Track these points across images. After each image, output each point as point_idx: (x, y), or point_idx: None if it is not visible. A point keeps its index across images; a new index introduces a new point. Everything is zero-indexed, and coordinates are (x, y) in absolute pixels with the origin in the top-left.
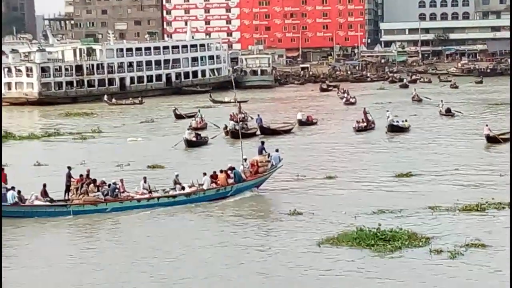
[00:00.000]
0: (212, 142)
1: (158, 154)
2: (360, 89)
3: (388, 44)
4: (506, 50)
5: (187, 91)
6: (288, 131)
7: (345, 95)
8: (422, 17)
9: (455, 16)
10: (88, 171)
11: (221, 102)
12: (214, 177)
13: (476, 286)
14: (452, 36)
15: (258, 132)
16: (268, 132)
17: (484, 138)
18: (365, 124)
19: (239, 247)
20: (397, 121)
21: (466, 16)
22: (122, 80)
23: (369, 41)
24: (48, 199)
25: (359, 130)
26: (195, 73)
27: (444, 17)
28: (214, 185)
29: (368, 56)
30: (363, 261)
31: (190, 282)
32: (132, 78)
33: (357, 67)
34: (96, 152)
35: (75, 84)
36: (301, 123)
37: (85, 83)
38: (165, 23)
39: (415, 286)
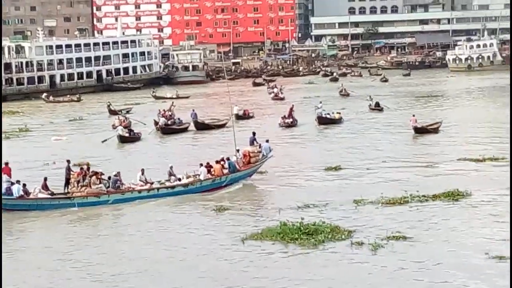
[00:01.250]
0: (146, 137)
1: (88, 151)
2: (291, 83)
3: (318, 38)
4: (434, 43)
5: (118, 88)
6: (222, 126)
7: (274, 90)
8: (351, 11)
9: (384, 10)
10: (88, 164)
11: (163, 98)
12: (208, 167)
13: (396, 276)
14: (382, 29)
15: (192, 127)
16: (202, 127)
17: (412, 130)
18: (291, 120)
19: (164, 245)
20: (327, 113)
21: (394, 10)
22: (52, 77)
23: (300, 35)
24: (50, 192)
25: (285, 126)
26: (126, 70)
27: (373, 10)
28: (209, 175)
29: (299, 50)
30: (286, 255)
31: (122, 278)
32: (62, 76)
33: (288, 62)
34: (21, 151)
35: (3, 83)
36: (238, 117)
37: (14, 81)
38: (95, 19)
39: (336, 278)
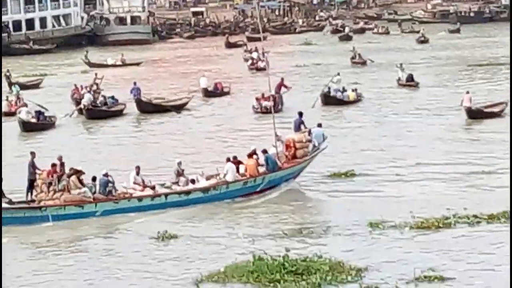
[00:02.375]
0: (62, 124)
1: None
2: (281, 44)
3: None
4: None
5: (18, 51)
6: (179, 107)
7: (253, 54)
8: None
9: None
10: (61, 158)
11: (102, 66)
12: (236, 163)
13: None
14: None
15: (134, 109)
16: (149, 108)
17: (464, 112)
18: (271, 102)
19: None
20: (339, 90)
21: None
22: None
23: None
24: (7, 200)
25: (261, 112)
26: (30, 23)
27: None
28: (238, 175)
29: None
30: None
31: None
32: None
33: (278, 12)
34: None
35: None
36: (207, 93)
37: None
38: None
39: None
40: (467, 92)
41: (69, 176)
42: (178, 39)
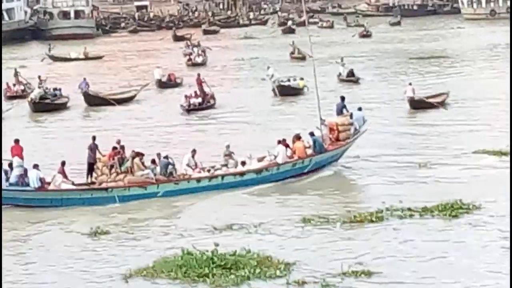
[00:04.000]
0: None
1: None
2: (224, 38)
3: None
4: None
5: None
6: (127, 100)
7: (194, 50)
8: None
9: None
10: (119, 141)
11: (66, 60)
12: (284, 146)
13: None
14: None
15: (77, 102)
16: (96, 101)
17: (407, 103)
18: (199, 99)
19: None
20: (288, 79)
21: None
22: None
23: None
24: (70, 182)
25: (190, 109)
26: None
27: None
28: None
29: None
30: None
31: None
32: None
33: (222, 5)
34: None
35: None
36: (161, 84)
37: None
38: None
39: None
40: (410, 84)
41: (132, 158)
42: (122, 33)
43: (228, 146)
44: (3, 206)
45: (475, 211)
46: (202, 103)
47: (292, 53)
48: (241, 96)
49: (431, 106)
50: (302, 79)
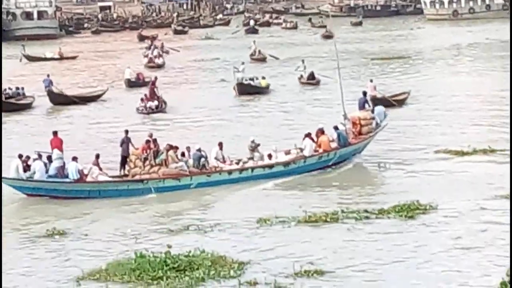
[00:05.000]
0: None
1: None
2: (187, 39)
3: None
4: None
5: None
6: (94, 99)
7: (155, 51)
8: None
9: None
10: (151, 135)
11: (41, 60)
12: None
13: None
14: None
15: (41, 102)
16: (60, 99)
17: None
18: (156, 102)
19: None
20: (251, 78)
21: None
22: None
23: None
24: (103, 174)
25: (146, 112)
26: None
27: None
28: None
29: None
30: None
31: None
32: None
33: (186, 5)
34: None
35: None
36: (130, 83)
37: None
38: None
39: None
40: (371, 81)
41: (167, 150)
42: (85, 34)
43: (253, 141)
44: (42, 197)
45: (432, 212)
46: (158, 106)
47: (252, 54)
48: (198, 97)
49: (393, 104)
50: (264, 78)
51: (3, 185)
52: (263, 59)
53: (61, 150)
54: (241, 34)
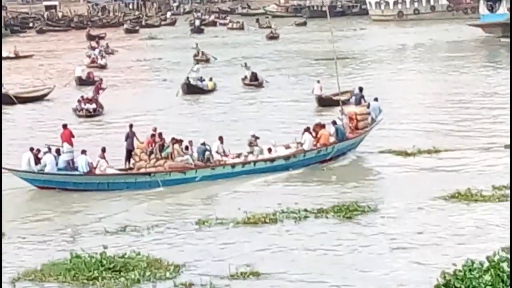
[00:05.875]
0: None
1: None
2: (131, 38)
3: None
4: None
5: None
6: (40, 98)
7: (96, 51)
8: None
9: None
10: (155, 129)
11: None
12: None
13: None
14: None
15: None
16: (6, 100)
17: (315, 100)
18: (93, 105)
19: None
20: (198, 79)
21: None
22: None
23: None
24: (110, 166)
25: (84, 115)
26: None
27: None
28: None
29: None
30: None
31: None
32: None
33: (131, 6)
34: None
35: None
36: (81, 81)
37: None
38: None
39: None
40: (318, 81)
41: (173, 144)
42: (30, 33)
43: (253, 135)
44: (51, 190)
45: (371, 212)
46: (96, 110)
47: (196, 55)
48: (139, 98)
49: (338, 103)
50: (211, 79)
51: (14, 176)
52: (206, 60)
53: (70, 142)
54: (186, 34)
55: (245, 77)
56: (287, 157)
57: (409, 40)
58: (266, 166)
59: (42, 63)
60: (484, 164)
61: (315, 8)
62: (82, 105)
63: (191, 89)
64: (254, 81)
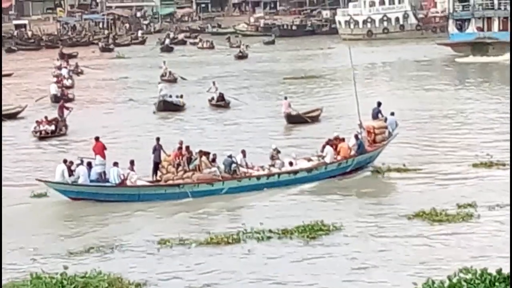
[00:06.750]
0: None
1: None
2: (98, 58)
3: None
4: None
5: None
6: (11, 116)
7: (63, 71)
8: None
9: None
10: (181, 142)
11: None
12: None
13: None
14: None
15: None
16: None
17: (284, 118)
18: (53, 127)
19: None
20: (171, 95)
21: None
22: None
23: None
24: (137, 177)
25: (41, 137)
26: None
27: None
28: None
29: (117, 7)
30: None
31: None
32: None
33: (102, 24)
34: None
35: None
36: (56, 99)
37: None
38: None
39: None
40: (285, 98)
41: (200, 156)
42: None
43: (275, 149)
44: (83, 201)
45: (335, 232)
46: (55, 131)
47: (163, 75)
48: (104, 117)
49: (306, 121)
50: (181, 96)
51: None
52: (173, 80)
53: (103, 155)
54: (156, 53)
55: (212, 98)
56: (309, 170)
57: (378, 59)
58: (290, 178)
59: (9, 82)
60: (451, 182)
61: (285, 27)
62: (41, 127)
63: (166, 106)
64: (221, 101)
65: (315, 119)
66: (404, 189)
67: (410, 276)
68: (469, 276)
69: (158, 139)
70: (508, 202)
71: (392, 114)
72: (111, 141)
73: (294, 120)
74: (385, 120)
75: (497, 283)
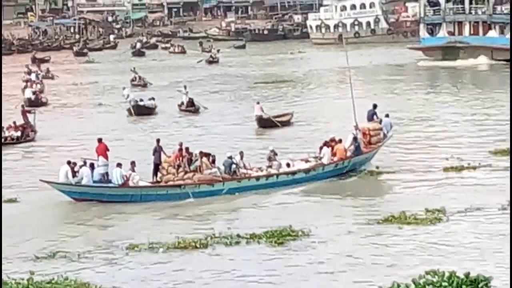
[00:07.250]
0: None
1: None
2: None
3: None
4: (291, 2)
5: None
6: None
7: (32, 76)
8: None
9: None
10: (181, 144)
11: None
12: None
13: None
14: None
15: None
16: None
17: (255, 122)
18: (19, 133)
19: None
20: (141, 99)
21: None
22: None
23: None
24: (139, 179)
25: (6, 143)
26: None
27: None
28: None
29: (88, 12)
30: None
31: None
32: None
33: (73, 29)
34: None
35: None
36: (31, 102)
37: None
38: None
39: None
40: (258, 102)
41: (201, 157)
42: None
43: (272, 150)
44: (86, 202)
45: (304, 237)
46: (21, 137)
47: (133, 80)
48: (73, 122)
49: (277, 125)
50: (153, 99)
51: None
52: (144, 85)
53: (106, 156)
54: (127, 57)
55: (182, 103)
56: (307, 171)
57: (350, 63)
58: (288, 179)
59: None
60: (421, 186)
61: (256, 31)
62: (7, 133)
63: (140, 110)
64: (191, 107)
65: (286, 124)
66: (375, 193)
67: (375, 280)
68: (436, 278)
69: (158, 140)
70: (478, 206)
71: (387, 116)
72: (81, 146)
73: (265, 124)
74: (380, 122)
75: (464, 286)
